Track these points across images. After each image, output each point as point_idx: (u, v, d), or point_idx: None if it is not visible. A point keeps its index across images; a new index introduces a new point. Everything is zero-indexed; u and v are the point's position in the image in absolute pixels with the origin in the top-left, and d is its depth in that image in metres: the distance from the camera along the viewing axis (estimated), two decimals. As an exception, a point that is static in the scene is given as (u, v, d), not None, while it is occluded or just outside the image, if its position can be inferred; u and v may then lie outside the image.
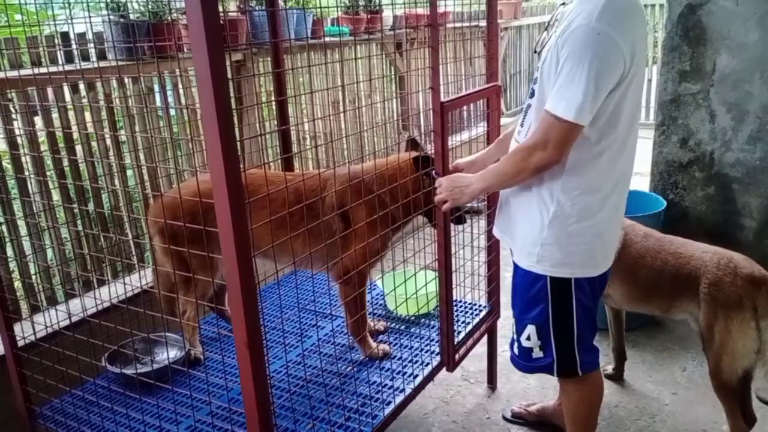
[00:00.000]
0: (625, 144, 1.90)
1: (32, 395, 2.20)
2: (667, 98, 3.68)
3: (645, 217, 3.12)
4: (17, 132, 2.61)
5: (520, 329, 2.14)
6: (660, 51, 4.06)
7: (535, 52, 2.00)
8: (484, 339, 2.87)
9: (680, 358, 3.17)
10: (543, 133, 1.79)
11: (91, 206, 2.92)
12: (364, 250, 2.21)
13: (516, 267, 2.12)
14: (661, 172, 3.80)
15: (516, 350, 2.19)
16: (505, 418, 2.78)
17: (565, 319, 2.03)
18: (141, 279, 2.50)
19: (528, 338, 2.11)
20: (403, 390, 2.28)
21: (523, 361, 2.17)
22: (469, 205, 2.81)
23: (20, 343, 2.17)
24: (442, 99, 2.19)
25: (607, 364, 3.05)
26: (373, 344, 2.53)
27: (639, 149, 2.03)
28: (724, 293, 2.34)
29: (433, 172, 2.27)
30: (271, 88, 3.59)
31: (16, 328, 2.19)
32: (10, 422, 2.35)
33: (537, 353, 2.11)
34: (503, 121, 2.70)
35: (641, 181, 4.21)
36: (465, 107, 2.44)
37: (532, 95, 1.94)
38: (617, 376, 3.00)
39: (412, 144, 2.64)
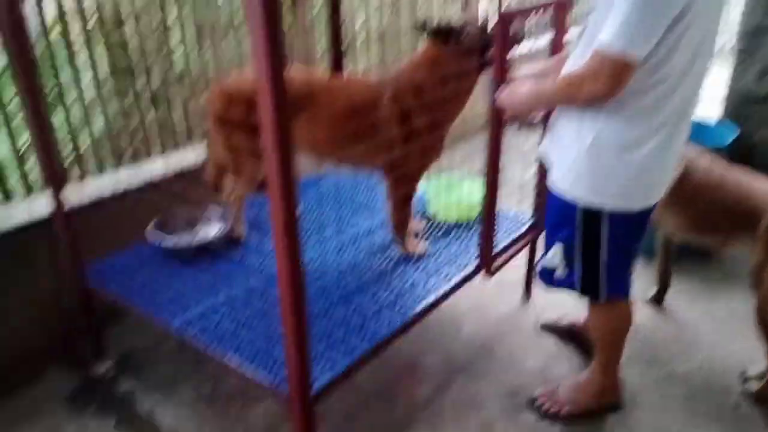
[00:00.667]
0: (685, 75, 1.73)
1: (82, 254, 2.29)
2: (750, 27, 3.39)
3: (710, 148, 2.94)
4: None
5: (548, 245, 2.13)
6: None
7: None
8: (525, 250, 2.83)
9: (725, 292, 3.07)
10: (596, 65, 1.67)
11: (139, 83, 2.90)
12: (422, 151, 2.18)
13: (551, 188, 2.06)
14: (733, 104, 3.55)
15: (542, 265, 2.18)
16: (537, 326, 2.79)
17: (593, 247, 1.98)
18: (186, 155, 2.51)
19: (554, 256, 2.09)
20: (437, 289, 2.28)
21: (547, 277, 2.17)
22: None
23: (70, 206, 2.24)
24: (503, 8, 2.04)
25: (649, 288, 2.98)
26: (411, 246, 2.52)
27: (715, 78, 1.86)
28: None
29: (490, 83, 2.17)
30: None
31: (66, 190, 2.24)
32: (61, 276, 2.47)
33: (561, 271, 2.09)
34: (569, 34, 2.51)
35: (712, 110, 3.96)
36: (528, 17, 2.27)
37: (588, 13, 1.80)
38: (658, 302, 2.95)
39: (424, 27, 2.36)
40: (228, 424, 2.25)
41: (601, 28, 1.66)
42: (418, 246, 2.52)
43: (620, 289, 2.09)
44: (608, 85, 1.66)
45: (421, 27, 2.25)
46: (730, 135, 3.25)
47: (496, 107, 2.08)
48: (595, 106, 1.79)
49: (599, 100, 1.72)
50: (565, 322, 2.73)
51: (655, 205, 1.98)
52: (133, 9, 2.69)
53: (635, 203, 1.91)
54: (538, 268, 2.24)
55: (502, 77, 2.10)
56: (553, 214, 2.08)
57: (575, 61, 1.82)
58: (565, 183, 1.95)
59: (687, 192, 2.48)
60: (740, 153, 3.41)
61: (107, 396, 2.37)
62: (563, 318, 2.75)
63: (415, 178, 2.41)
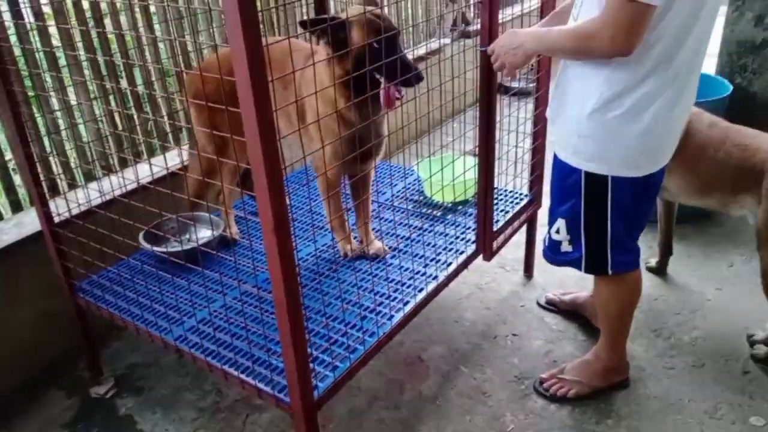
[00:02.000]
0: (688, 32, 1.64)
1: (71, 270, 2.25)
2: (747, -29, 3.28)
3: (707, 102, 2.87)
4: (42, 1, 2.48)
5: (551, 221, 2.07)
6: None
7: None
8: (524, 228, 2.79)
9: (728, 254, 3.04)
10: (610, 15, 1.54)
11: (123, 83, 2.84)
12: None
13: (555, 157, 1.99)
14: (729, 53, 3.46)
15: (546, 242, 2.13)
16: (539, 304, 2.76)
17: (597, 218, 1.92)
18: (174, 158, 2.46)
19: (557, 231, 2.04)
20: (436, 277, 2.24)
21: (552, 254, 2.12)
22: (517, 86, 2.64)
23: (56, 220, 2.19)
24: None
25: (650, 256, 2.95)
26: (348, 248, 2.38)
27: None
28: (788, 190, 2.17)
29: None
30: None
31: (52, 204, 2.19)
32: (54, 294, 2.44)
33: (565, 247, 2.04)
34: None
35: (707, 62, 3.87)
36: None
37: None
38: (660, 270, 2.92)
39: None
40: (233, 435, 2.23)
41: None
42: (350, 247, 2.38)
43: (628, 260, 2.03)
44: (625, 36, 1.53)
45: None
46: (727, 88, 3.18)
47: (489, 57, 1.95)
48: (599, 65, 1.70)
49: (616, 52, 1.59)
50: (566, 298, 2.70)
51: (663, 170, 1.93)
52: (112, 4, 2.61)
53: (642, 168, 1.84)
54: (542, 246, 2.19)
55: (491, 41, 2.03)
56: (556, 186, 2.02)
57: (582, 12, 1.71)
58: (567, 150, 1.89)
59: (689, 153, 2.42)
60: (739, 104, 3.34)
61: (108, 418, 2.32)
62: (565, 294, 2.72)
63: (322, 165, 2.15)
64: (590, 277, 2.79)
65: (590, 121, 1.78)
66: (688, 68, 1.73)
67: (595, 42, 1.59)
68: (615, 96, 1.72)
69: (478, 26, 2.10)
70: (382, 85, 1.98)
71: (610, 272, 2.02)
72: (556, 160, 1.98)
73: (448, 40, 4.46)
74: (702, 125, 2.46)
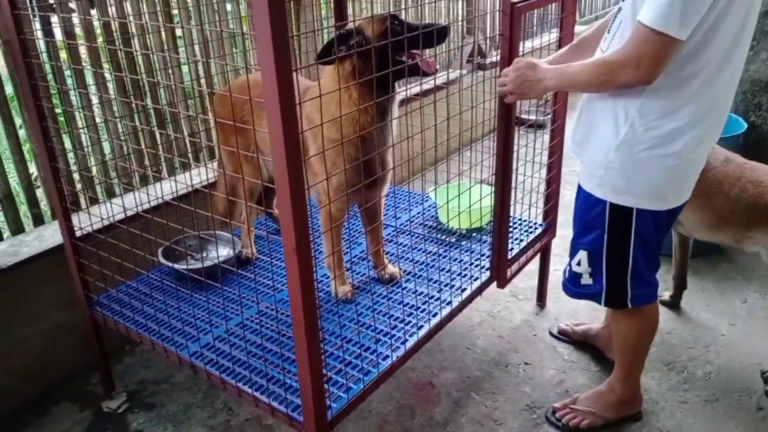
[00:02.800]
0: (724, 67, 1.67)
1: (90, 284, 2.28)
2: (762, 9, 3.32)
3: (722, 139, 2.88)
4: (74, 21, 2.56)
5: (573, 252, 2.07)
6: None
7: None
8: (537, 257, 2.80)
9: (742, 289, 3.03)
10: (635, 48, 1.58)
11: (147, 101, 2.91)
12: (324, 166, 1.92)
13: (579, 188, 2.00)
14: (744, 92, 3.50)
15: (566, 273, 2.13)
16: (551, 334, 2.76)
17: (620, 250, 1.93)
18: (194, 177, 2.50)
19: (579, 263, 2.04)
20: (450, 303, 2.25)
21: (572, 286, 2.11)
22: (533, 118, 2.67)
23: (78, 234, 2.23)
24: (513, -1, 2.01)
25: (664, 290, 2.95)
26: (342, 290, 2.28)
27: None
28: (802, 227, 2.18)
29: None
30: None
31: (74, 218, 2.23)
32: (70, 308, 2.47)
33: (586, 280, 2.04)
34: (577, 28, 2.49)
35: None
36: (536, 11, 2.24)
37: None
38: (674, 303, 2.91)
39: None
40: (244, 451, 2.23)
41: (638, 11, 1.58)
42: (342, 290, 2.27)
43: (647, 292, 2.03)
44: (649, 68, 1.57)
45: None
46: (742, 126, 3.20)
47: (504, 91, 1.96)
48: (630, 96, 1.72)
49: (638, 82, 1.62)
50: (579, 329, 2.70)
51: (684, 204, 1.94)
52: (141, 25, 2.68)
53: (668, 202, 1.85)
54: (563, 278, 2.19)
55: None
56: (579, 218, 2.02)
57: (614, 43, 1.74)
58: (593, 181, 1.89)
59: (704, 188, 2.44)
60: (753, 142, 3.37)
61: (120, 432, 2.33)
62: (577, 325, 2.72)
63: (325, 198, 2.05)
64: (602, 309, 2.79)
65: (619, 152, 1.79)
66: (720, 105, 1.76)
67: (619, 72, 1.62)
68: (647, 128, 1.74)
69: (494, 58, 2.14)
70: (419, 59, 1.97)
71: (630, 305, 2.02)
72: (581, 191, 1.99)
73: (465, 71, 4.52)
74: (717, 161, 2.48)
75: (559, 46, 2.41)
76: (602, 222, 1.91)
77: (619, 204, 1.86)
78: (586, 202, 1.96)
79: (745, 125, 3.22)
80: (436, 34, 1.94)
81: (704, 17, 1.55)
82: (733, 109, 3.56)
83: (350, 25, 2.02)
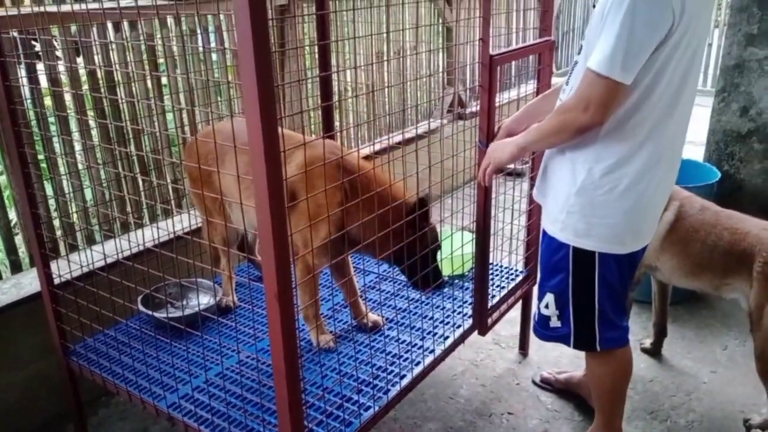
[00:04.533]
0: (673, 111, 1.74)
1: (67, 333, 2.24)
2: (730, 63, 3.46)
3: (697, 188, 2.97)
4: (59, 69, 2.58)
5: (540, 295, 2.10)
6: (724, 12, 3.81)
7: (593, 6, 1.88)
8: (519, 304, 2.81)
9: (722, 336, 3.06)
10: (584, 91, 1.67)
11: (131, 148, 2.91)
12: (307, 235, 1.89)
13: (543, 232, 2.05)
14: (717, 142, 3.61)
15: (536, 317, 2.16)
16: (534, 383, 2.74)
17: (585, 293, 1.96)
18: (176, 224, 2.50)
19: (546, 306, 2.07)
20: (432, 351, 2.24)
21: (541, 329, 2.14)
22: (511, 166, 2.72)
23: (56, 281, 2.20)
24: (492, 52, 2.08)
25: (645, 337, 2.97)
26: (323, 339, 2.25)
27: (695, 117, 1.89)
28: (778, 274, 2.22)
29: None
30: (315, 36, 3.50)
31: (53, 266, 2.20)
32: (46, 357, 2.41)
33: (554, 322, 2.07)
34: (553, 80, 2.56)
35: (695, 150, 4.02)
36: (514, 63, 2.31)
37: (579, 51, 1.83)
38: (655, 351, 2.92)
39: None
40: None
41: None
42: (323, 339, 2.25)
43: (617, 335, 2.05)
44: (598, 109, 1.65)
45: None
46: (715, 175, 3.29)
47: (482, 167, 2.07)
48: (587, 143, 1.78)
49: (589, 124, 1.68)
50: (562, 377, 2.69)
51: (645, 248, 1.98)
52: (126, 73, 2.71)
53: (627, 245, 1.90)
54: (532, 321, 2.21)
55: (489, 124, 2.12)
56: (545, 261, 2.06)
57: (568, 93, 1.82)
58: (556, 225, 1.94)
59: (682, 235, 2.49)
60: (726, 190, 3.45)
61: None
62: (560, 373, 2.71)
63: (306, 265, 2.07)
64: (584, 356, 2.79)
65: (579, 197, 1.84)
66: (673, 148, 1.83)
67: (571, 115, 1.70)
68: (603, 173, 1.79)
69: (474, 108, 2.20)
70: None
71: (598, 348, 2.04)
72: (545, 235, 2.03)
73: (446, 121, 4.61)
74: (694, 209, 2.54)
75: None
76: (566, 265, 1.94)
77: (581, 248, 1.90)
78: (550, 245, 1.99)
79: (719, 174, 3.31)
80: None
81: (649, 63, 1.63)
82: (706, 158, 3.66)
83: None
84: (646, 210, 1.87)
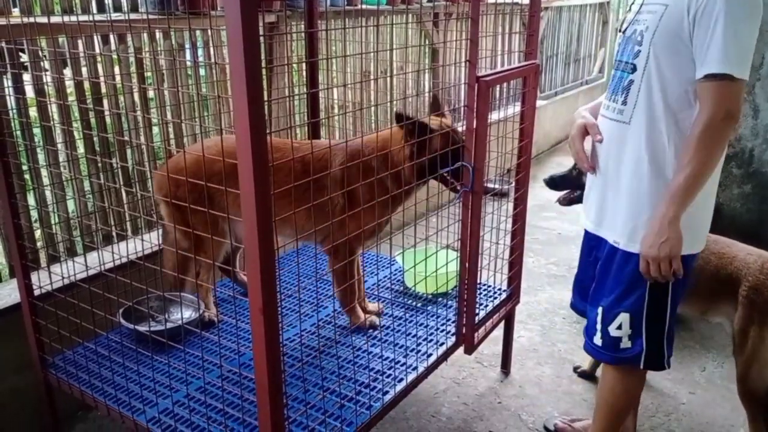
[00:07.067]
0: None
1: (45, 345, 2.20)
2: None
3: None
4: (45, 80, 2.58)
5: (609, 318, 2.00)
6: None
7: (619, 31, 1.93)
8: (502, 324, 2.82)
9: (701, 358, 3.09)
10: (721, 101, 1.66)
11: (115, 160, 2.90)
12: (358, 226, 2.13)
13: (609, 255, 1.99)
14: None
15: (598, 340, 2.05)
16: (518, 406, 2.72)
17: (659, 308, 1.93)
18: (160, 237, 2.48)
19: (619, 327, 1.98)
20: (415, 368, 2.24)
21: (609, 352, 2.03)
22: (495, 187, 2.75)
23: (36, 293, 2.17)
24: (479, 73, 2.11)
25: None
26: (362, 315, 2.53)
27: None
28: (763, 298, 2.26)
29: (460, 188, 2.25)
30: (303, 54, 3.53)
31: (33, 277, 2.18)
32: (23, 371, 2.37)
33: (625, 343, 1.99)
34: (538, 103, 2.60)
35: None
36: (498, 86, 2.34)
37: (632, 70, 1.83)
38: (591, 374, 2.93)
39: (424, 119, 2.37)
40: None
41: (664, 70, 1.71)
42: (369, 319, 2.53)
43: (671, 353, 2.02)
44: (736, 111, 1.66)
45: (398, 118, 2.29)
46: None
47: (649, 265, 1.85)
48: (665, 151, 1.80)
49: (733, 123, 1.69)
50: (578, 425, 2.55)
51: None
52: (113, 85, 2.71)
53: (703, 242, 1.95)
54: (585, 345, 2.12)
55: (477, 145, 2.14)
56: (616, 282, 1.97)
57: (634, 110, 1.83)
58: (636, 236, 1.87)
59: None
60: (713, 218, 3.50)
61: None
62: (574, 421, 2.58)
63: (351, 252, 2.32)
64: (567, 375, 2.80)
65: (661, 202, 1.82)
66: None
67: (716, 131, 1.68)
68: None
69: (460, 129, 2.24)
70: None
71: (667, 366, 2.00)
72: (613, 256, 1.97)
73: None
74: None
75: (522, 120, 2.52)
76: (642, 279, 1.89)
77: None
78: (625, 263, 1.93)
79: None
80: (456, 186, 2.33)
81: None
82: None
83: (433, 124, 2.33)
84: (712, 203, 1.93)
